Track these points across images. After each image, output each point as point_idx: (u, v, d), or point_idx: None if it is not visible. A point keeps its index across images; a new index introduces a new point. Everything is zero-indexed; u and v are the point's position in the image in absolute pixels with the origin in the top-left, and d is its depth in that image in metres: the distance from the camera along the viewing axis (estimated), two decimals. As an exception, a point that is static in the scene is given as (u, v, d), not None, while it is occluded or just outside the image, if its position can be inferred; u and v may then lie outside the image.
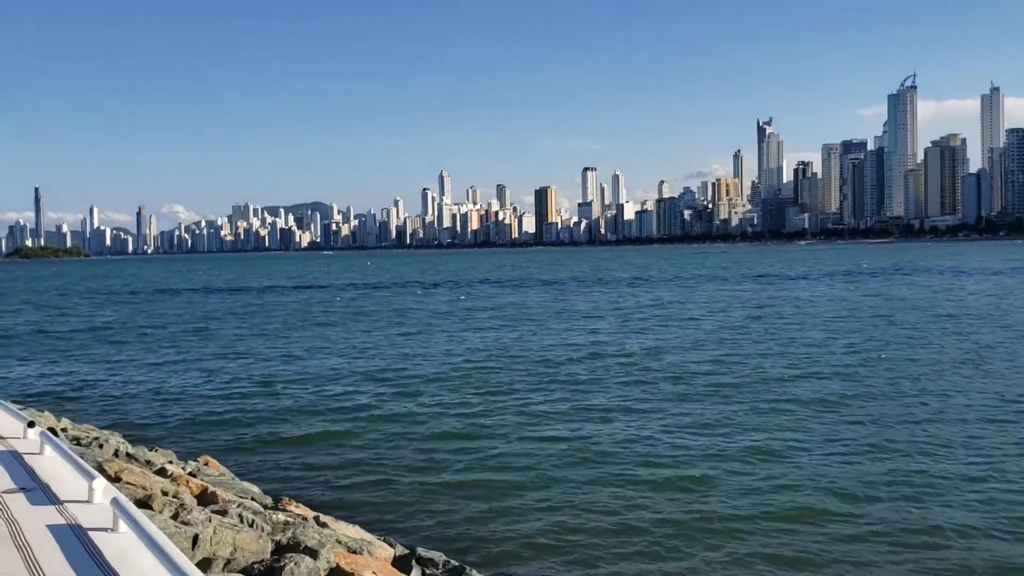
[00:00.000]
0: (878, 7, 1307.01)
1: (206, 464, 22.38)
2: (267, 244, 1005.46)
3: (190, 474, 19.13)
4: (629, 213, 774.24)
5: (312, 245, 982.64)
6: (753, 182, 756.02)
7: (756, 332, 51.54)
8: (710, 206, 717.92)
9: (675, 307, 74.73)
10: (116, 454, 19.12)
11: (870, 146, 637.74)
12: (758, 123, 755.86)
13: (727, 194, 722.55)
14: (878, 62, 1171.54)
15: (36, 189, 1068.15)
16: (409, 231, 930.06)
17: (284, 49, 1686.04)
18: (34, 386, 37.96)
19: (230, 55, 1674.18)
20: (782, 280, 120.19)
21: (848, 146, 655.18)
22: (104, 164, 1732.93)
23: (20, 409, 19.25)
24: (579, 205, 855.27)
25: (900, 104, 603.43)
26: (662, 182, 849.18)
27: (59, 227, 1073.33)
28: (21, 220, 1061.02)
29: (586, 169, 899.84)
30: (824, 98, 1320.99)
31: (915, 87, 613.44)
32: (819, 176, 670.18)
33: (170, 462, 20.96)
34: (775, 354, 41.46)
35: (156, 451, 23.69)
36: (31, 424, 12.29)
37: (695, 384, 33.44)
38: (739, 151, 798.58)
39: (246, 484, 20.12)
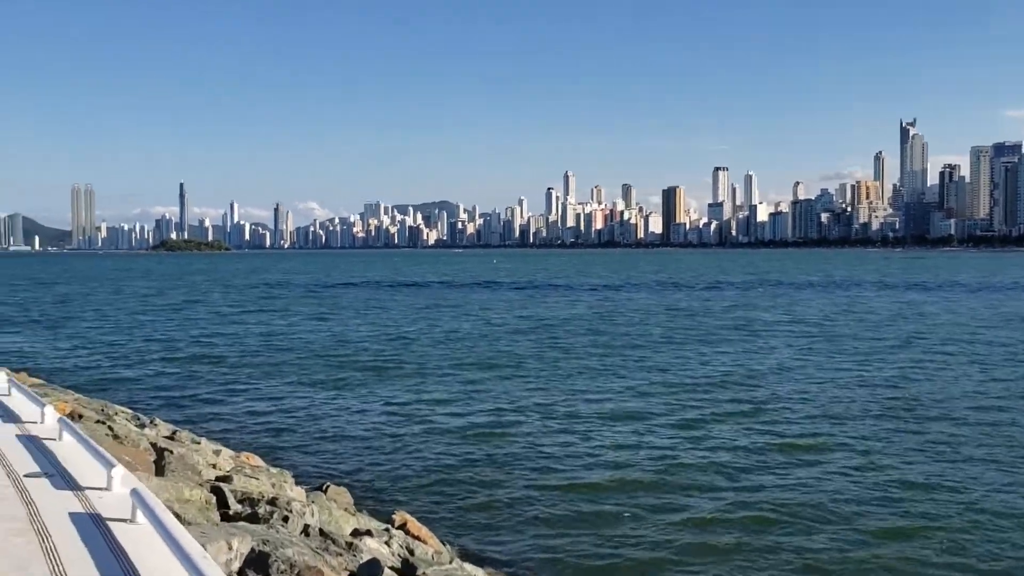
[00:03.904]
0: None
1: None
2: (396, 241, 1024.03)
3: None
4: (762, 215, 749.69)
5: (438, 243, 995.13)
6: (895, 185, 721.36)
7: None
8: (849, 209, 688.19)
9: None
10: (307, 532, 14.11)
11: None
12: (901, 124, 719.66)
13: (867, 197, 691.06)
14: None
15: (181, 185, 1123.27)
16: (532, 230, 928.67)
17: (413, 51, 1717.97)
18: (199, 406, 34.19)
19: (363, 58, 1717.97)
20: None
21: (1000, 149, 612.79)
22: (244, 162, 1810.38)
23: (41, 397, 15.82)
24: (709, 205, 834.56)
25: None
26: (797, 183, 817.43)
27: (201, 221, 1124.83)
28: (167, 214, 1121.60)
29: (717, 169, 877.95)
30: (970, 99, 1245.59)
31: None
32: (967, 180, 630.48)
33: (369, 532, 15.95)
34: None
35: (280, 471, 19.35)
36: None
37: None
38: (880, 153, 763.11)
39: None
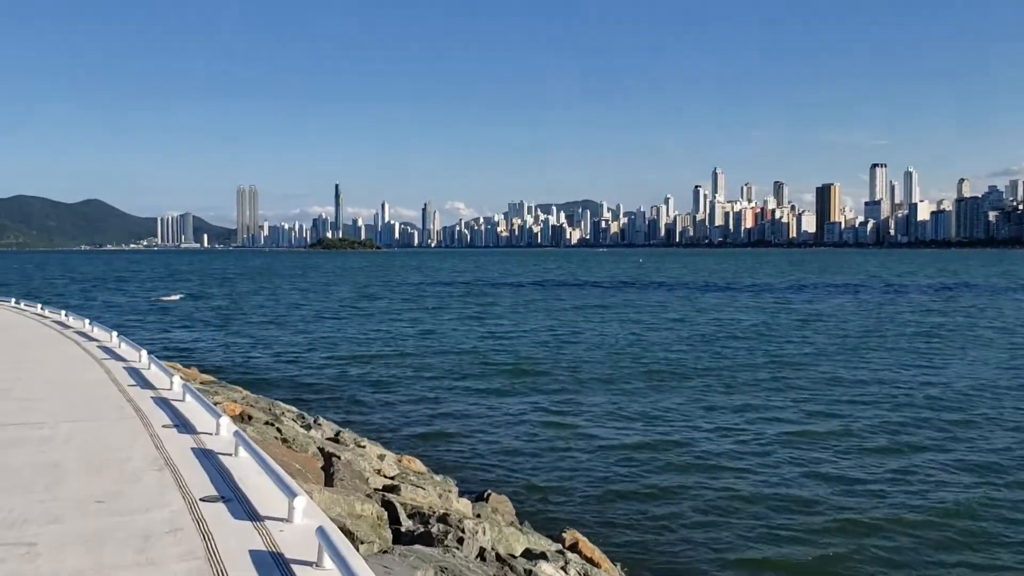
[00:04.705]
0: None
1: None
2: (539, 241, 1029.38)
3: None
4: (923, 213, 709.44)
5: (581, 242, 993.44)
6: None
7: None
8: (1020, 207, 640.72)
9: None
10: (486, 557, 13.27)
11: None
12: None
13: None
14: None
15: (336, 186, 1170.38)
16: (679, 229, 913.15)
17: (553, 53, 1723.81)
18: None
19: (502, 61, 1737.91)
20: None
21: None
22: (395, 164, 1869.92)
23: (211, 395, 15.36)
24: (865, 204, 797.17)
25: None
26: (962, 180, 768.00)
27: (355, 221, 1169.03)
28: (323, 214, 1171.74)
29: (875, 165, 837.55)
30: None
31: None
32: None
33: (542, 554, 15.00)
34: None
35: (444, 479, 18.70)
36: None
37: None
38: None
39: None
